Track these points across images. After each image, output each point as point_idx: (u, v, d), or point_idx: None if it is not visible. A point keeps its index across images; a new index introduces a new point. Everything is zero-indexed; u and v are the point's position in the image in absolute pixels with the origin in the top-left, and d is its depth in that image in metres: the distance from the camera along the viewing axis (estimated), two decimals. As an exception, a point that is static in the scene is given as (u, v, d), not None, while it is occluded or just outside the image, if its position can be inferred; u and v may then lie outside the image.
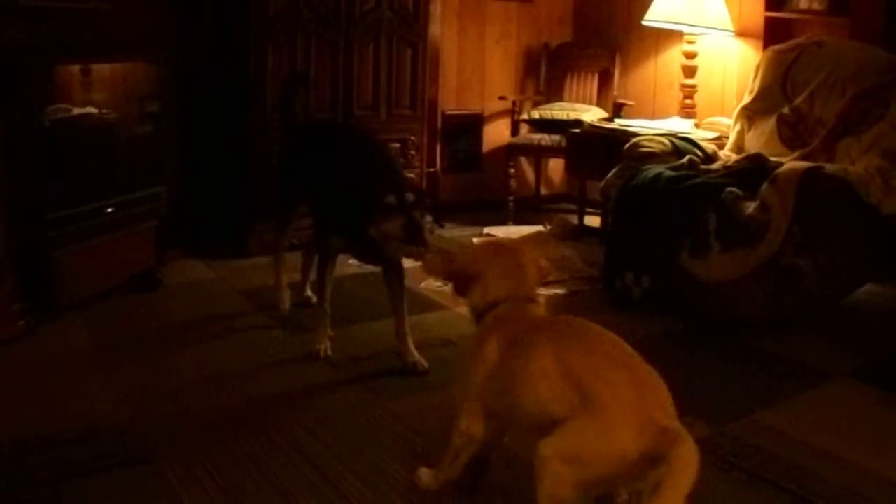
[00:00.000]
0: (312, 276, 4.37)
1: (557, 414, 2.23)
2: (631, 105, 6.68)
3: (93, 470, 2.81)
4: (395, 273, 3.84)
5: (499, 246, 2.81)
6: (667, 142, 5.14)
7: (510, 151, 6.78)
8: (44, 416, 3.20)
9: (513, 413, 2.44)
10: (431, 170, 6.65)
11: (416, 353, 3.81)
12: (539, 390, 2.30)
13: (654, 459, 2.07)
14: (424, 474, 2.75)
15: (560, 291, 4.85)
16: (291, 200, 4.40)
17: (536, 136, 6.59)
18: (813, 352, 4.05)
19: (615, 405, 2.16)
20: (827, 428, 3.26)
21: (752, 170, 4.59)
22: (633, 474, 2.15)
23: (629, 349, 2.41)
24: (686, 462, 2.01)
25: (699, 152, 5.14)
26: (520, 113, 6.94)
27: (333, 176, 3.89)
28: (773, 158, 4.78)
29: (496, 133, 7.17)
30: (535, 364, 2.32)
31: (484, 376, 2.51)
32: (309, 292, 4.56)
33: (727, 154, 5.35)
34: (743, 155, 5.08)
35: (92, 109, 4.42)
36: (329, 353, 3.89)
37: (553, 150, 6.52)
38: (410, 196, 3.52)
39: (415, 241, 3.49)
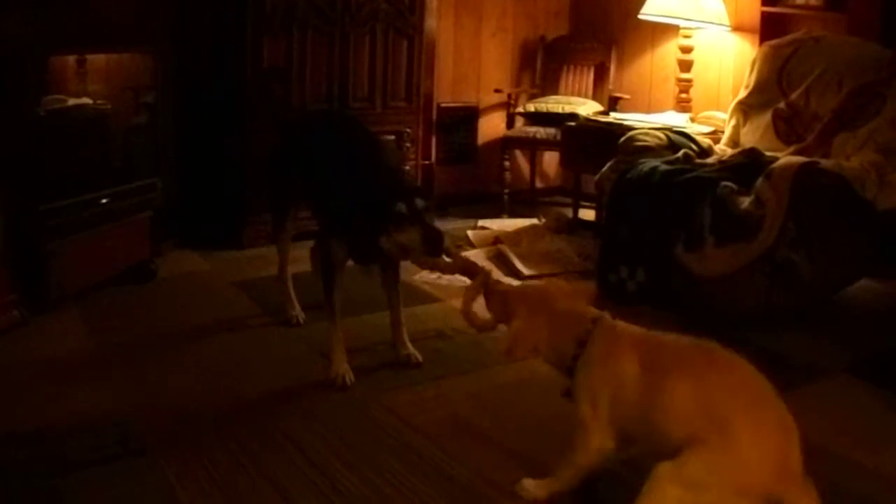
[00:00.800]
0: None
1: (691, 441, 2.24)
2: (626, 99, 6.67)
3: (88, 463, 2.81)
4: (391, 270, 3.80)
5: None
6: (662, 136, 5.13)
7: (505, 144, 6.78)
8: (38, 409, 3.20)
9: (647, 437, 2.43)
10: (427, 162, 6.65)
11: (410, 345, 3.80)
12: (678, 417, 2.30)
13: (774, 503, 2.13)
14: (530, 485, 2.67)
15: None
16: (286, 198, 4.24)
17: (532, 129, 6.58)
18: (807, 347, 4.06)
19: (755, 440, 2.21)
20: (820, 424, 3.26)
21: (748, 164, 4.59)
22: None
23: (770, 386, 2.44)
24: None
25: (694, 146, 5.14)
26: (515, 106, 6.93)
27: (330, 175, 3.75)
28: (768, 153, 4.78)
29: (491, 126, 7.16)
30: (678, 393, 2.33)
31: (617, 397, 2.47)
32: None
33: (722, 148, 5.35)
34: (738, 149, 5.08)
35: (87, 100, 4.41)
36: (351, 379, 3.57)
37: (548, 144, 6.52)
38: (420, 202, 3.34)
39: (436, 252, 3.34)
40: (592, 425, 2.51)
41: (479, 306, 2.87)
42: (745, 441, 2.20)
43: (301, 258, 4.55)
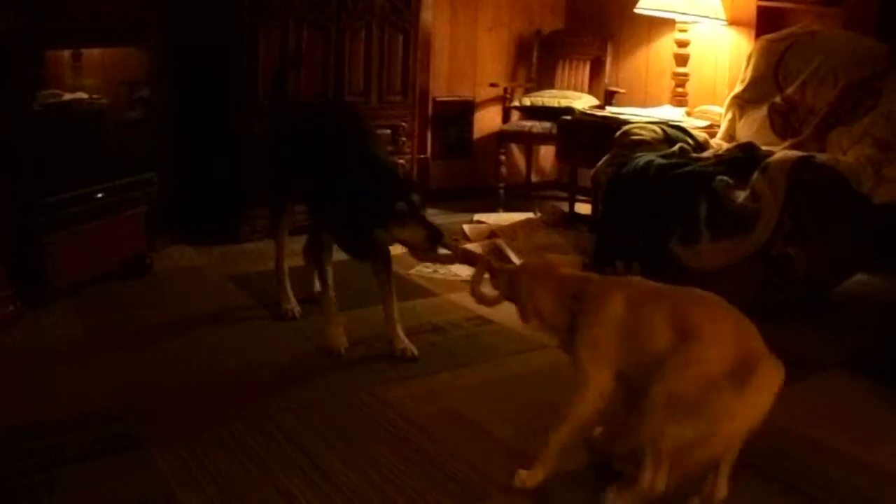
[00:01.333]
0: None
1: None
2: (622, 93, 6.68)
3: (84, 456, 2.81)
4: (383, 262, 3.82)
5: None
6: (658, 130, 5.13)
7: (501, 138, 6.78)
8: (34, 402, 3.20)
9: (639, 371, 2.62)
10: (422, 156, 6.65)
11: (405, 339, 3.81)
12: (658, 339, 2.57)
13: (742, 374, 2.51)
14: (524, 475, 2.73)
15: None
16: (284, 188, 4.26)
17: (527, 124, 6.59)
18: (803, 341, 4.06)
19: (716, 337, 2.58)
20: (816, 418, 3.27)
21: (743, 158, 4.59)
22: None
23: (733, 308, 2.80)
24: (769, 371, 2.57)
25: (690, 140, 5.14)
26: (511, 100, 6.93)
27: (326, 169, 3.78)
28: (764, 147, 4.79)
29: (487, 120, 7.16)
30: (657, 318, 2.60)
31: (611, 336, 2.66)
32: (319, 287, 4.25)
33: (718, 142, 5.35)
34: (734, 143, 5.09)
35: (83, 95, 4.40)
36: (345, 347, 3.78)
37: (544, 138, 6.52)
38: (416, 198, 3.48)
39: (437, 245, 3.52)
40: (591, 368, 2.67)
41: (486, 286, 2.97)
42: (708, 339, 2.53)
43: (298, 252, 4.55)
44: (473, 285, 2.99)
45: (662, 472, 2.48)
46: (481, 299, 2.99)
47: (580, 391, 2.68)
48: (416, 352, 3.78)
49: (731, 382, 2.47)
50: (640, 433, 2.49)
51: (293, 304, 4.26)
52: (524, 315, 2.83)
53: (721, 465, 2.56)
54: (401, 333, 3.82)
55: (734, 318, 2.69)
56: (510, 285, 2.88)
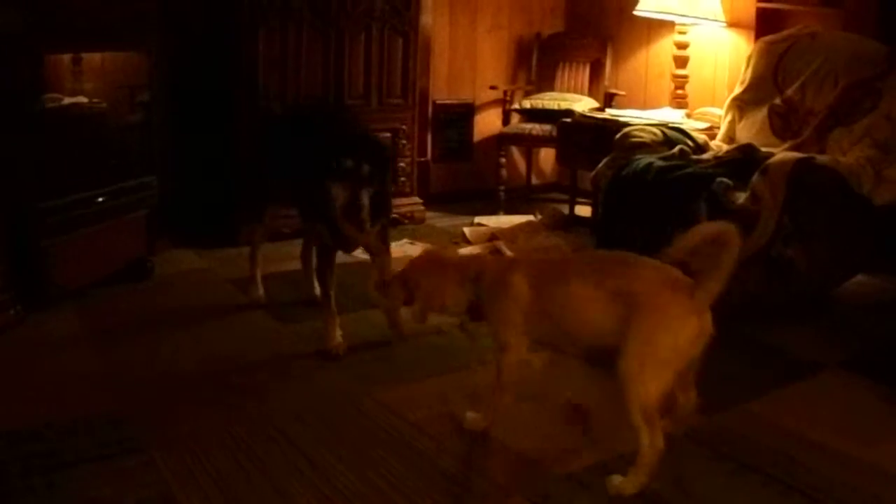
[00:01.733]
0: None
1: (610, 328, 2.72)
2: (622, 95, 6.68)
3: (85, 460, 2.81)
4: (383, 258, 3.97)
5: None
6: (658, 132, 5.13)
7: (501, 141, 6.78)
8: (35, 406, 3.20)
9: (566, 339, 3.04)
10: (422, 159, 6.65)
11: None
12: (588, 314, 2.77)
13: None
14: (473, 417, 3.10)
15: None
16: (268, 189, 4.42)
17: (527, 126, 6.59)
18: (803, 342, 4.06)
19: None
20: (817, 418, 3.27)
21: (743, 160, 4.59)
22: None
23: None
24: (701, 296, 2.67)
25: (690, 142, 5.14)
26: (511, 102, 6.93)
27: (305, 157, 3.87)
28: (763, 149, 4.79)
29: (487, 123, 7.16)
30: (578, 292, 2.78)
31: (522, 311, 2.88)
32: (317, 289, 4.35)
33: (718, 144, 5.35)
34: (734, 145, 5.09)
35: (82, 99, 4.41)
36: (344, 350, 3.80)
37: (544, 140, 6.52)
38: (366, 168, 3.51)
39: (352, 218, 3.57)
40: (509, 339, 2.93)
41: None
42: (656, 295, 2.68)
43: (295, 256, 4.56)
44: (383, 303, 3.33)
45: (658, 429, 2.64)
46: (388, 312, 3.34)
47: (504, 359, 2.96)
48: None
49: (680, 323, 2.65)
50: (629, 405, 2.66)
51: (261, 293, 4.43)
52: (419, 315, 3.05)
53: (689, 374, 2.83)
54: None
55: (654, 267, 2.79)
56: (406, 288, 3.05)
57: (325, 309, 3.87)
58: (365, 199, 3.55)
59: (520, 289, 2.86)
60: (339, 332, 3.85)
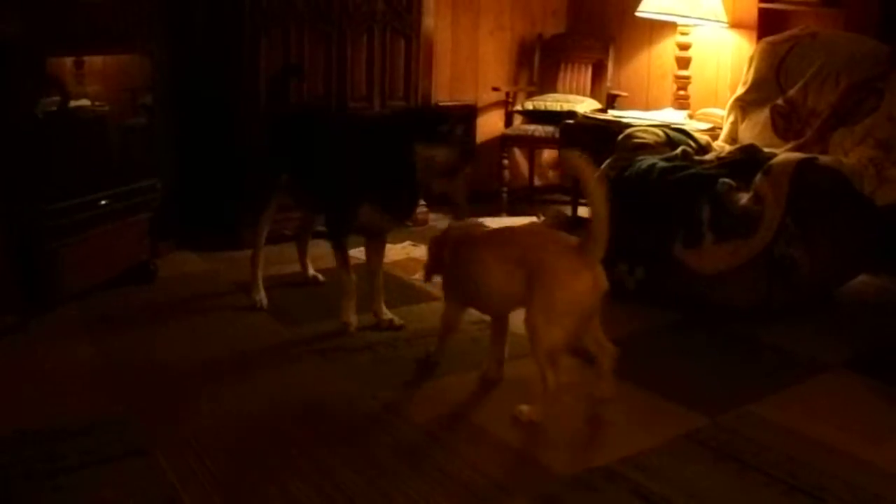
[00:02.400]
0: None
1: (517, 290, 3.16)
2: (624, 96, 6.68)
3: (90, 463, 2.81)
4: (379, 241, 4.15)
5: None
6: (660, 133, 5.13)
7: (504, 142, 6.78)
8: (39, 409, 3.20)
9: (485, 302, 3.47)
10: (425, 161, 6.64)
11: (388, 311, 4.13)
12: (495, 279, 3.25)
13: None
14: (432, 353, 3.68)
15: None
16: (271, 189, 4.48)
17: (530, 127, 6.59)
18: (807, 342, 4.06)
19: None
20: (820, 418, 3.27)
21: (746, 161, 4.59)
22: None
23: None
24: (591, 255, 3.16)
25: (693, 143, 5.14)
26: (513, 104, 6.93)
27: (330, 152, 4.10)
28: (766, 149, 4.78)
29: (490, 124, 7.16)
30: (484, 261, 3.28)
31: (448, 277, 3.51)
32: (311, 272, 4.77)
33: (721, 145, 5.35)
34: (736, 146, 5.08)
35: (85, 102, 4.41)
36: (356, 326, 4.06)
37: (547, 141, 6.52)
38: (460, 128, 3.95)
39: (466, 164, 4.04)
40: (446, 300, 3.58)
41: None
42: (552, 256, 3.17)
43: (320, 256, 4.62)
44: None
45: (559, 368, 3.15)
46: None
47: (443, 313, 3.62)
48: (400, 321, 4.11)
49: (573, 278, 3.09)
50: (535, 351, 3.13)
51: (262, 296, 4.45)
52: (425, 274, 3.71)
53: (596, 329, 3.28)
54: (383, 305, 4.16)
55: (548, 235, 3.44)
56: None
57: (345, 282, 4.10)
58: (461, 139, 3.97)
59: (446, 257, 3.46)
60: (354, 306, 4.10)
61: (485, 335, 3.75)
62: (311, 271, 4.76)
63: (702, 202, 4.31)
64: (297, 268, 4.74)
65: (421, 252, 5.42)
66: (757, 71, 5.43)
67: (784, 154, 4.52)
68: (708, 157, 4.99)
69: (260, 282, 4.49)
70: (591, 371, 3.37)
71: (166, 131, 4.99)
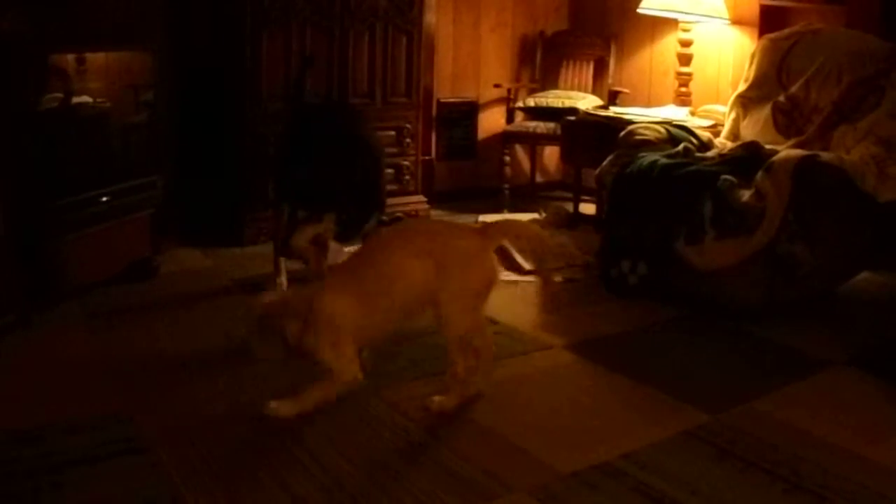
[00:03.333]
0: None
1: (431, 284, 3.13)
2: (626, 93, 6.68)
3: (91, 459, 2.82)
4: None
5: None
6: (662, 129, 5.13)
7: (505, 139, 6.78)
8: (41, 406, 3.21)
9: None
10: (426, 157, 6.65)
11: None
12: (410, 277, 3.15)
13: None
14: (276, 405, 3.15)
15: (556, 279, 4.85)
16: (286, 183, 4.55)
17: (532, 124, 6.59)
18: (809, 339, 4.06)
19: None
20: (822, 416, 3.27)
21: (748, 158, 4.59)
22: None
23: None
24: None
25: (694, 140, 5.14)
26: (515, 101, 6.93)
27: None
28: (768, 146, 4.78)
29: (491, 121, 7.16)
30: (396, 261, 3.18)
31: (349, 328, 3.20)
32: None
33: (722, 142, 5.35)
34: (738, 143, 5.08)
35: (87, 98, 4.41)
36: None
37: (548, 138, 6.52)
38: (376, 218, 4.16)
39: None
40: (340, 364, 3.13)
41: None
42: (455, 245, 3.18)
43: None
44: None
45: (469, 353, 3.22)
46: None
47: (337, 379, 3.19)
48: None
49: (476, 261, 3.17)
50: (449, 340, 3.18)
51: (283, 279, 4.61)
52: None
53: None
54: None
55: (448, 225, 3.52)
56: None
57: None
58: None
59: (340, 306, 3.20)
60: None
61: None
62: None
63: (704, 199, 4.31)
64: (300, 264, 4.72)
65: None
66: (759, 68, 5.42)
67: (786, 151, 4.51)
68: (710, 153, 4.99)
69: (282, 264, 4.62)
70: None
71: (168, 128, 4.99)
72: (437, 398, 3.22)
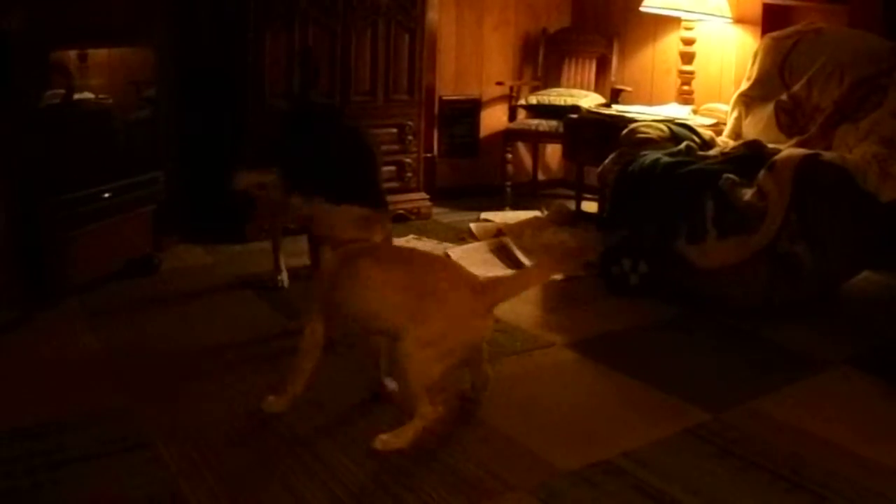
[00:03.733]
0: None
1: (399, 318, 2.93)
2: (628, 91, 6.67)
3: (91, 456, 2.82)
4: None
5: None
6: (664, 128, 5.13)
7: (507, 137, 6.78)
8: (42, 402, 3.21)
9: (355, 320, 3.16)
10: (429, 155, 6.65)
11: None
12: (374, 300, 3.01)
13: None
14: (272, 400, 3.18)
15: (557, 277, 4.85)
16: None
17: (534, 122, 6.58)
18: (810, 339, 4.06)
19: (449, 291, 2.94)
20: (823, 415, 3.27)
21: (750, 156, 4.58)
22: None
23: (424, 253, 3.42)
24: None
25: (696, 138, 5.14)
26: (517, 98, 6.93)
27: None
28: (770, 145, 4.78)
29: (494, 118, 7.16)
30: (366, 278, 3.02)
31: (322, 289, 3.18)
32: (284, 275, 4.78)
33: (724, 140, 5.34)
34: (740, 141, 5.08)
35: (89, 95, 4.41)
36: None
37: (550, 136, 6.52)
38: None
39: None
40: (306, 321, 3.19)
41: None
42: (448, 291, 2.94)
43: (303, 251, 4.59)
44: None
45: (437, 400, 2.97)
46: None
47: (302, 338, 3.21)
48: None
49: (461, 318, 2.94)
50: (407, 379, 2.91)
51: (284, 276, 4.66)
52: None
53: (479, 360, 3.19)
54: None
55: (448, 266, 3.27)
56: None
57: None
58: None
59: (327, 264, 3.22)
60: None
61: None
62: None
63: (705, 198, 4.31)
64: (303, 261, 4.72)
65: (426, 246, 5.43)
66: (761, 66, 5.42)
67: (788, 150, 4.51)
68: (712, 152, 4.99)
69: (282, 264, 4.65)
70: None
71: (170, 124, 4.99)
72: (384, 437, 2.93)
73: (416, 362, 2.87)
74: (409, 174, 6.17)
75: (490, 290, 3.01)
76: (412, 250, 3.61)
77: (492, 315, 3.05)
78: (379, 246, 3.31)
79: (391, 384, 3.28)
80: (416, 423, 2.93)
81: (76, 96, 4.34)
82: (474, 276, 3.10)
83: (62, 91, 4.25)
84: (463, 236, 5.77)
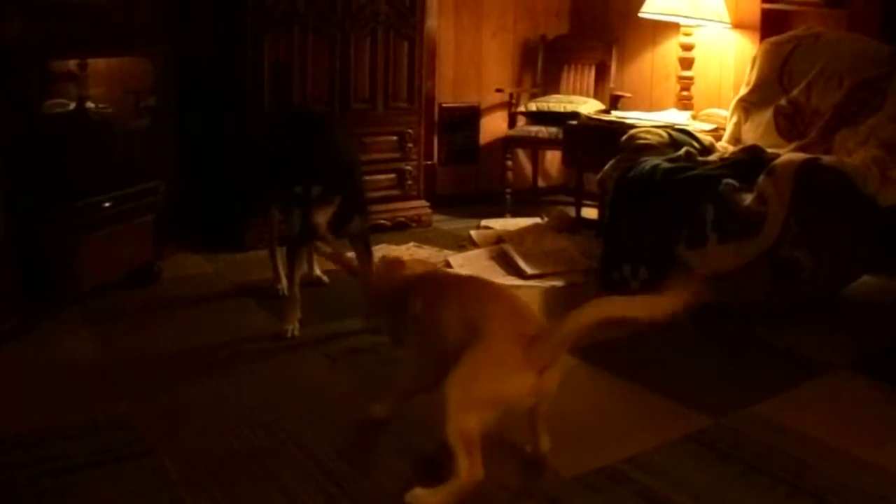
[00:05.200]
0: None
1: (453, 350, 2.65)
2: (628, 97, 6.68)
3: (93, 464, 2.82)
4: (362, 244, 4.21)
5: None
6: (664, 133, 5.13)
7: (507, 144, 6.79)
8: (43, 410, 3.21)
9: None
10: (429, 162, 6.66)
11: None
12: (451, 336, 2.71)
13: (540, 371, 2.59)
14: (376, 407, 3.16)
15: (558, 284, 4.86)
16: (270, 189, 4.63)
17: (533, 129, 6.59)
18: (810, 343, 4.06)
19: (502, 333, 2.62)
20: (824, 419, 3.27)
21: (749, 161, 4.59)
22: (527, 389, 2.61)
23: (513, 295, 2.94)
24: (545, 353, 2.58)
25: (696, 144, 5.14)
26: (517, 105, 6.94)
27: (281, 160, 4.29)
28: (769, 150, 4.78)
29: (493, 125, 7.17)
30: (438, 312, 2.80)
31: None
32: (317, 272, 4.83)
33: (724, 146, 5.34)
34: (740, 147, 5.08)
35: (89, 104, 4.41)
36: (297, 332, 4.07)
37: (550, 143, 6.53)
38: (317, 189, 3.79)
39: (302, 237, 3.94)
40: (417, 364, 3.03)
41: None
42: (495, 335, 2.60)
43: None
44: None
45: (477, 458, 2.57)
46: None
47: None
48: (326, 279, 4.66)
49: (507, 372, 2.59)
50: (447, 427, 2.56)
51: (284, 285, 4.53)
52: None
53: (536, 423, 2.87)
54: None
55: (510, 308, 2.77)
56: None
57: (290, 293, 4.18)
58: (320, 219, 3.81)
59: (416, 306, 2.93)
60: (295, 317, 4.12)
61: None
62: (317, 272, 4.77)
63: (705, 203, 4.32)
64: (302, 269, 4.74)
65: (425, 253, 5.43)
66: (760, 71, 5.43)
67: (787, 155, 4.52)
68: (711, 157, 4.99)
69: (282, 273, 4.58)
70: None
71: (169, 133, 4.99)
72: (420, 492, 2.62)
73: (453, 410, 2.55)
74: (410, 182, 6.17)
75: (540, 344, 2.59)
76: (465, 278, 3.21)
77: (550, 373, 2.64)
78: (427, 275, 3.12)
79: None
80: (454, 484, 2.57)
81: (76, 105, 4.33)
82: (530, 320, 2.74)
83: (62, 100, 4.25)
84: (463, 243, 5.77)
